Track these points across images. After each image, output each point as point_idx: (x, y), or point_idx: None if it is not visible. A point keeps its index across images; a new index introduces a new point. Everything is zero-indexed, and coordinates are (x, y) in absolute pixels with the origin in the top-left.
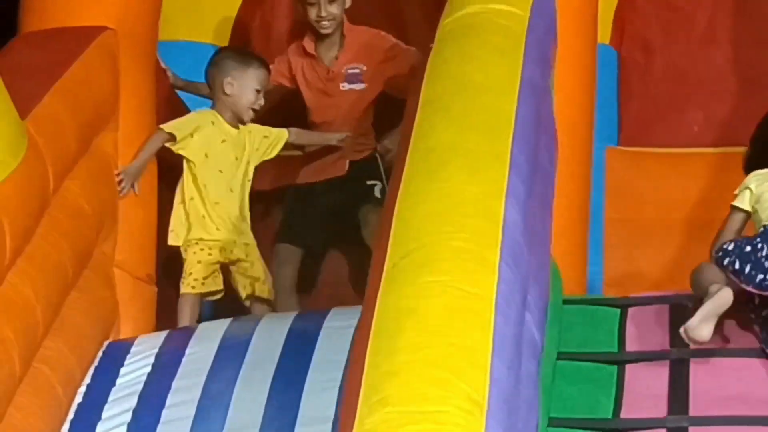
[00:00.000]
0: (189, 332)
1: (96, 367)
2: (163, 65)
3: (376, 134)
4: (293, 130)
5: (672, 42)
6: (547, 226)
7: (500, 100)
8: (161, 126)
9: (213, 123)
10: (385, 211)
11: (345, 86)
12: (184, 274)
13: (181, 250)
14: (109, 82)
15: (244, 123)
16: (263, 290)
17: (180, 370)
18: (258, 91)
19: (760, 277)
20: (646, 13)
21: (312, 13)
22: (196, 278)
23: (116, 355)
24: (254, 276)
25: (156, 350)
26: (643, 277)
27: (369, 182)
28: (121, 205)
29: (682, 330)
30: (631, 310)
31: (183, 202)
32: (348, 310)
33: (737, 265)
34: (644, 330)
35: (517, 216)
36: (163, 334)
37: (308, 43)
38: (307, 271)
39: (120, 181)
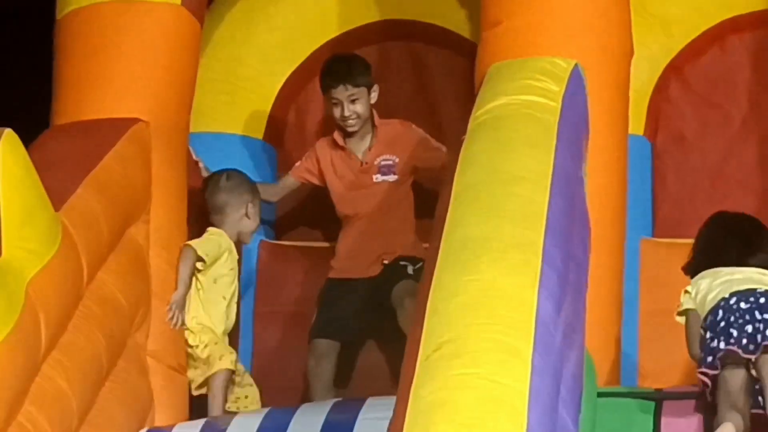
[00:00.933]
0: (226, 421)
1: None
2: (195, 157)
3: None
4: None
5: (707, 135)
6: (581, 317)
7: (533, 191)
8: (194, 246)
9: (230, 252)
10: (419, 303)
11: (378, 178)
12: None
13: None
14: (141, 174)
15: (245, 243)
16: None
17: None
18: None
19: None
20: (681, 106)
21: (336, 112)
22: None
23: None
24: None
25: None
26: (677, 368)
27: (402, 263)
28: (153, 296)
29: None
30: (666, 404)
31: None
32: (384, 401)
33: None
34: (679, 424)
35: (550, 307)
36: (200, 422)
37: (338, 137)
38: (344, 364)
39: (170, 312)
